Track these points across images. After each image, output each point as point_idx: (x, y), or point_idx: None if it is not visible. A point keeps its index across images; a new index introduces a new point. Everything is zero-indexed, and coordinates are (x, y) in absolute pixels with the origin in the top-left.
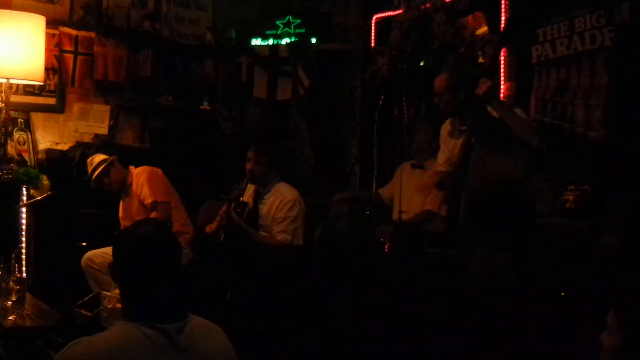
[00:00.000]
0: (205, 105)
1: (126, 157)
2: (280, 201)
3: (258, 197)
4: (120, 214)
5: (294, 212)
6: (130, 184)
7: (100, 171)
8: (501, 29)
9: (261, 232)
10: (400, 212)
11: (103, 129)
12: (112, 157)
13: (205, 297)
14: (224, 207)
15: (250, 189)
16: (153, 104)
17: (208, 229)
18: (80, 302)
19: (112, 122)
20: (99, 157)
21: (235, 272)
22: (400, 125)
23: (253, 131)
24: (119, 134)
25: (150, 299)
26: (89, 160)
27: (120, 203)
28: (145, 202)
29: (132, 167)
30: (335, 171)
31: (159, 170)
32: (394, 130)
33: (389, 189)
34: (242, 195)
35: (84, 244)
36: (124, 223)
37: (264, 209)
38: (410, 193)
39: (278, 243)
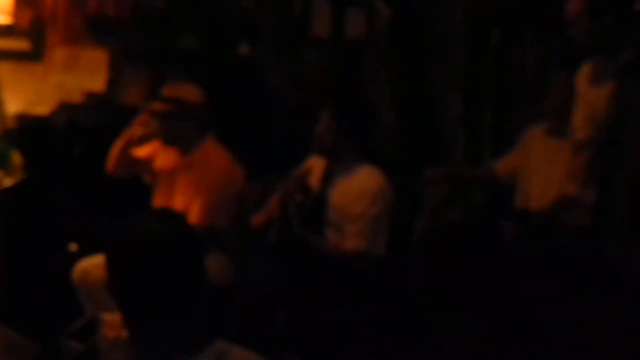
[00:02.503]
0: (243, 50)
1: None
2: (359, 190)
3: (327, 179)
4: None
5: (378, 209)
6: (193, 159)
7: (163, 112)
8: None
9: (330, 233)
10: (527, 197)
11: (99, 84)
12: (202, 111)
13: (246, 320)
14: (277, 197)
15: (317, 167)
16: (170, 49)
17: (256, 222)
18: (71, 329)
19: (111, 74)
20: (190, 93)
21: (289, 287)
22: (522, 74)
23: (312, 84)
24: (121, 90)
25: (164, 325)
26: (176, 86)
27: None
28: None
29: (210, 140)
30: (428, 138)
31: (239, 176)
32: (514, 80)
33: (509, 162)
34: (304, 178)
35: (75, 247)
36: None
37: (334, 196)
38: (544, 171)
39: (349, 252)
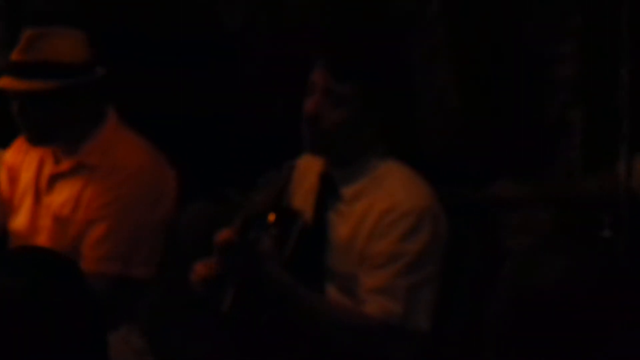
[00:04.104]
0: None
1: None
2: (385, 209)
3: (329, 196)
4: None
5: (419, 245)
6: (81, 160)
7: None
8: None
9: (331, 287)
10: None
11: None
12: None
13: None
14: (235, 229)
15: (310, 174)
16: None
17: (198, 274)
18: None
19: None
20: (67, 48)
21: None
22: None
23: (301, 28)
24: None
25: None
26: (41, 36)
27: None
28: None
29: (111, 124)
30: (517, 127)
31: (169, 188)
32: None
33: None
34: (282, 192)
35: None
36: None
37: (341, 227)
38: None
39: (370, 320)
